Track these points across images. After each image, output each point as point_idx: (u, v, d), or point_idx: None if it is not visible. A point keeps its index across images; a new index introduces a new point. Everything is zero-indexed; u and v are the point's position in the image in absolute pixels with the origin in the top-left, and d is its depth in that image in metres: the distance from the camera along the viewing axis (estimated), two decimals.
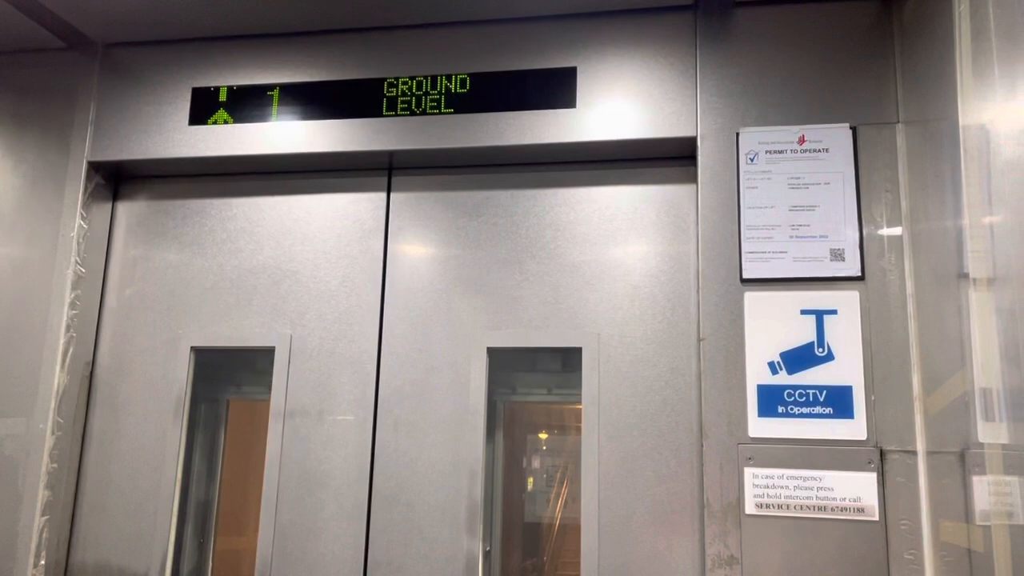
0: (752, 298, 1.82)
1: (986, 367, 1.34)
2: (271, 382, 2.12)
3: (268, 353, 2.15)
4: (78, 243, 2.18)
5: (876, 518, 1.67)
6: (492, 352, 2.06)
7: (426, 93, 2.08)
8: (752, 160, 1.88)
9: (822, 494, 1.70)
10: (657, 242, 2.02)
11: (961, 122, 1.41)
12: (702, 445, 1.78)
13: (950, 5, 1.46)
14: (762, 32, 1.94)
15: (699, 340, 1.85)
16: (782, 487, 1.72)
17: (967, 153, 1.39)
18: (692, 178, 1.97)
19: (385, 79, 2.11)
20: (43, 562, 2.04)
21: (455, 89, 2.07)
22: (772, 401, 1.76)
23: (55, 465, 2.09)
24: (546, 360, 2.13)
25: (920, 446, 1.68)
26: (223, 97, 2.18)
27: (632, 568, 1.87)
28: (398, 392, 2.07)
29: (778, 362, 1.78)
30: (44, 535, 2.05)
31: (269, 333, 2.16)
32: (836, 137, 1.85)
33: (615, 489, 1.91)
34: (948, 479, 1.54)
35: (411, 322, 2.10)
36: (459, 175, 2.17)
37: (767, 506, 1.72)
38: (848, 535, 1.68)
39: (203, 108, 2.19)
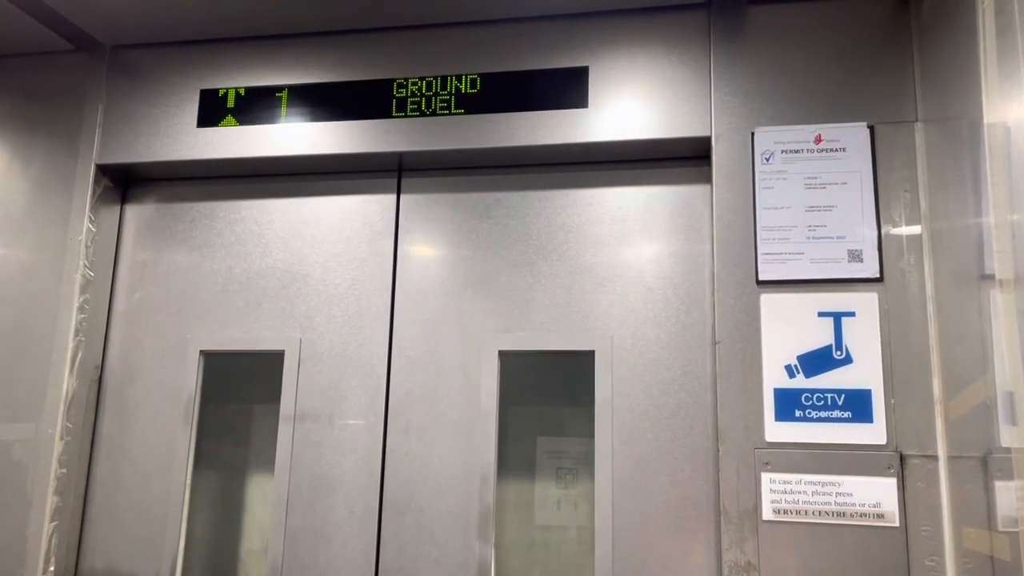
0: (768, 300, 1.79)
1: (1010, 370, 1.32)
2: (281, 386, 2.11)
3: (278, 357, 2.13)
4: (86, 247, 2.17)
5: (896, 524, 1.65)
6: (504, 355, 2.04)
7: (436, 94, 2.06)
8: (768, 160, 1.85)
9: (841, 500, 1.68)
10: (671, 243, 2.00)
11: (985, 120, 1.38)
12: (718, 450, 1.76)
13: (972, 2, 1.43)
14: (777, 30, 1.92)
15: (714, 343, 1.83)
16: (800, 492, 1.69)
17: (992, 152, 1.36)
18: (706, 178, 1.94)
19: (394, 80, 2.09)
20: (52, 568, 2.03)
21: (465, 89, 2.05)
22: (789, 405, 1.73)
23: (64, 470, 2.08)
24: (558, 363, 2.11)
25: (941, 451, 1.65)
26: (231, 99, 2.17)
27: (647, 575, 1.84)
28: (409, 396, 2.05)
29: (795, 365, 1.75)
30: (53, 541, 2.03)
31: (278, 337, 2.14)
32: (853, 136, 1.82)
33: (629, 494, 1.89)
34: (970, 484, 1.51)
35: (422, 325, 2.08)
36: (470, 176, 2.15)
37: (785, 512, 1.69)
38: (868, 541, 1.65)
39: (211, 110, 2.18)
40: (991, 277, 1.39)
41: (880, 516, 1.65)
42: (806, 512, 1.69)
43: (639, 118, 1.96)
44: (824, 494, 1.68)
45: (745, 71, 1.91)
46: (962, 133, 1.53)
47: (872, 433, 1.69)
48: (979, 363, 1.45)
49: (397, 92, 2.08)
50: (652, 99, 1.96)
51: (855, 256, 1.77)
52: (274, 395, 2.12)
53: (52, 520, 2.04)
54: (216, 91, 2.18)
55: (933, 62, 1.73)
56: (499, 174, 2.13)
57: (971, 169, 1.48)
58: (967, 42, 1.47)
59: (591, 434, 1.94)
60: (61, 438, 2.07)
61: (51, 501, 2.04)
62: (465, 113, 2.04)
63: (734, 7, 1.95)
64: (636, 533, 1.87)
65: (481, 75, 2.05)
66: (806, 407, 1.73)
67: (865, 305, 1.75)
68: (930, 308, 1.71)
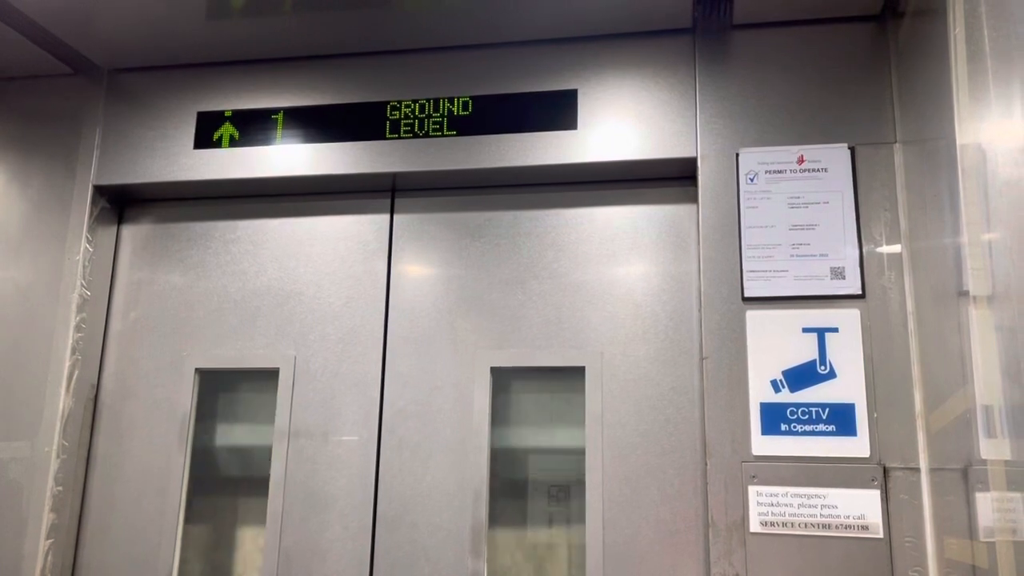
0: (754, 316, 1.83)
1: (987, 384, 1.35)
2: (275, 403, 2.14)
3: (272, 374, 2.16)
4: (83, 266, 2.20)
5: (880, 535, 1.68)
6: (495, 372, 2.07)
7: (428, 116, 2.11)
8: (752, 180, 1.90)
9: (826, 512, 1.71)
10: (658, 261, 2.04)
11: (958, 142, 1.43)
12: (706, 463, 1.79)
13: (945, 27, 1.48)
14: (760, 53, 1.97)
15: (702, 359, 1.86)
16: (786, 505, 1.72)
17: (965, 172, 1.41)
18: (693, 198, 1.99)
19: (388, 102, 2.13)
20: None
21: (457, 112, 2.09)
22: (775, 419, 1.77)
23: (60, 488, 2.09)
24: (550, 379, 2.14)
25: (923, 463, 1.68)
26: (228, 121, 2.21)
27: None
28: (402, 413, 2.08)
29: (780, 380, 1.79)
30: (49, 559, 2.04)
31: (273, 354, 2.17)
32: (835, 157, 1.87)
33: (620, 508, 1.91)
34: (952, 496, 1.54)
35: (414, 342, 2.11)
36: (462, 196, 2.19)
37: (772, 524, 1.72)
38: (853, 553, 1.68)
39: (208, 132, 2.21)
40: (968, 294, 1.43)
41: (864, 527, 1.69)
42: (792, 524, 1.72)
43: (627, 139, 2.00)
44: (810, 506, 1.71)
45: (729, 93, 1.96)
46: (938, 154, 1.57)
47: (856, 446, 1.73)
48: (958, 377, 1.49)
49: (390, 114, 2.13)
50: (639, 121, 2.01)
51: (838, 273, 1.82)
52: (269, 412, 2.14)
53: (48, 538, 2.05)
54: (213, 113, 2.22)
55: (909, 85, 1.78)
56: (490, 194, 2.17)
57: (947, 189, 1.52)
58: (940, 66, 1.52)
59: (582, 450, 1.97)
60: (57, 456, 2.09)
61: (47, 519, 2.05)
62: (457, 135, 2.08)
63: (718, 31, 2.01)
64: (627, 547, 1.89)
65: (473, 98, 2.10)
66: (791, 421, 1.76)
67: (848, 321, 1.79)
68: (911, 324, 1.75)
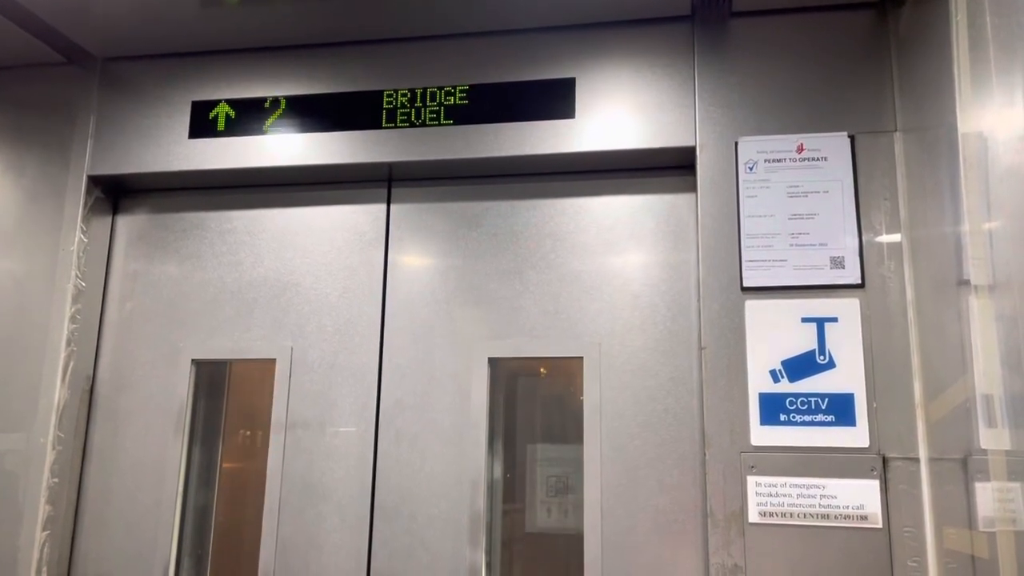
0: (753, 306, 1.82)
1: (987, 373, 1.35)
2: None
3: (269, 365, 2.14)
4: (78, 257, 2.18)
5: (880, 525, 1.67)
6: (493, 362, 2.06)
7: (425, 105, 2.09)
8: (751, 169, 1.89)
9: (825, 502, 1.70)
10: (657, 251, 2.03)
11: (960, 130, 1.42)
12: (705, 454, 1.78)
13: (947, 15, 1.47)
14: (759, 42, 1.96)
15: (700, 349, 1.86)
16: (785, 495, 1.72)
17: (966, 161, 1.40)
18: (691, 187, 1.97)
19: (384, 91, 2.12)
20: None
21: (454, 101, 2.08)
22: (774, 409, 1.76)
23: (56, 480, 2.08)
24: (549, 370, 2.13)
25: (922, 453, 1.68)
26: (223, 110, 2.19)
27: None
28: (399, 404, 2.07)
29: (779, 370, 1.78)
30: (45, 550, 2.04)
31: (270, 345, 2.16)
32: (834, 146, 1.86)
33: (618, 499, 1.91)
34: (951, 486, 1.54)
35: (412, 333, 2.10)
36: (459, 186, 2.17)
37: (770, 514, 1.72)
38: (852, 543, 1.68)
39: (203, 121, 2.20)
40: (968, 283, 1.42)
41: (864, 518, 1.68)
42: (791, 514, 1.71)
43: (625, 128, 1.99)
44: (809, 496, 1.71)
45: (728, 82, 1.95)
46: (939, 143, 1.57)
47: (855, 436, 1.72)
48: (958, 367, 1.48)
49: (387, 103, 2.11)
50: (638, 110, 1.99)
51: (837, 263, 1.81)
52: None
53: (44, 529, 2.04)
54: (207, 102, 2.20)
55: (910, 73, 1.77)
56: (488, 184, 2.16)
57: (948, 178, 1.52)
58: (942, 54, 1.51)
59: (581, 440, 1.96)
60: (53, 448, 2.08)
61: (43, 510, 2.04)
62: (454, 124, 2.07)
63: (717, 19, 1.99)
64: (625, 538, 1.89)
65: (470, 87, 2.08)
66: (790, 411, 1.76)
67: (847, 311, 1.78)
68: (910, 313, 1.75)
